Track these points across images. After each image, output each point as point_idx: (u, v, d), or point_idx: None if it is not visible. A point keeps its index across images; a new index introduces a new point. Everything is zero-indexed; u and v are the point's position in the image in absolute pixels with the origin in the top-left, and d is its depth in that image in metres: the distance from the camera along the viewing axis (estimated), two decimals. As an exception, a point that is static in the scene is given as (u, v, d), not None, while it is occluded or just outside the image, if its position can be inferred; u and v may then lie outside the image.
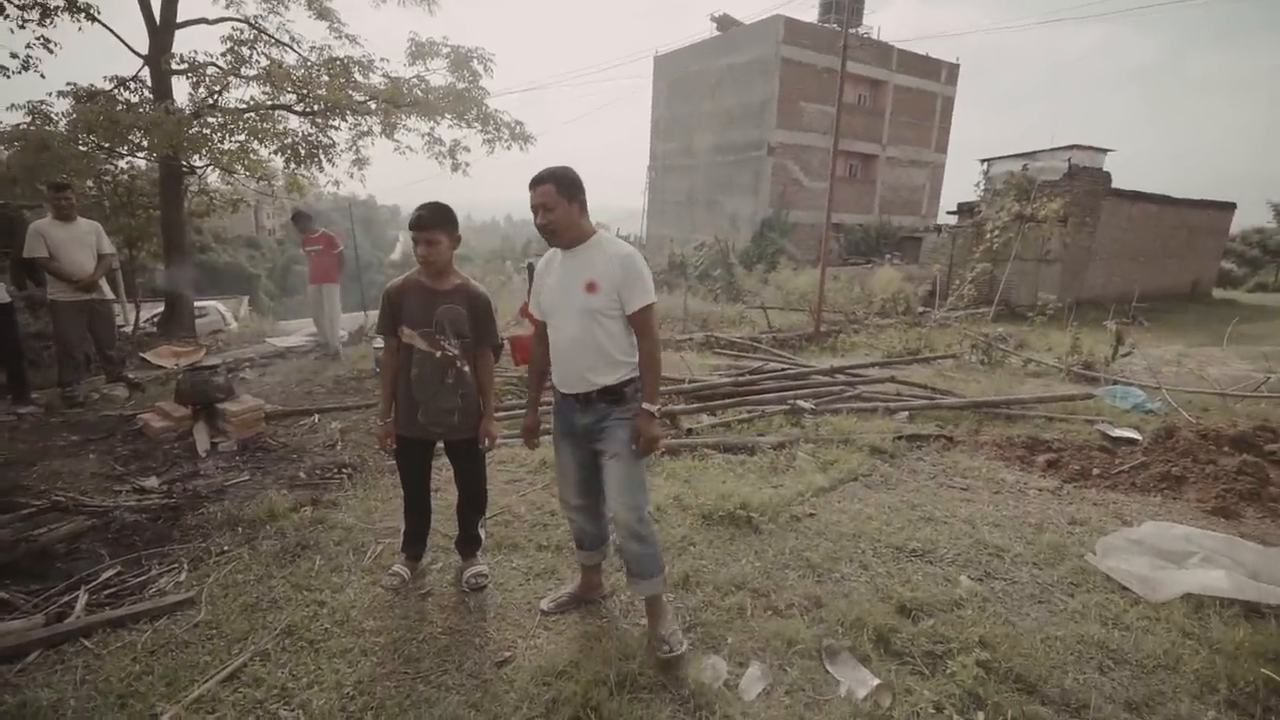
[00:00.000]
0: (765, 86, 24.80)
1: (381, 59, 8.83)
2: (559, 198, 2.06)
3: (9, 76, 8.02)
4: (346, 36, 9.04)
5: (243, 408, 4.46)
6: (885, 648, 2.26)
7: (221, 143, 7.99)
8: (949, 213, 21.68)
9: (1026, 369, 7.03)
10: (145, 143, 7.22)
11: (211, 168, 8.75)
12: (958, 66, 29.79)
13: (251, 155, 8.38)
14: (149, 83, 8.14)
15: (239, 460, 4.15)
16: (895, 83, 27.52)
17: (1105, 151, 19.08)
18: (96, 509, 3.25)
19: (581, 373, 2.15)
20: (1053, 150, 18.49)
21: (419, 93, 8.69)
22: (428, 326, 2.38)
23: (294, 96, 8.48)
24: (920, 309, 14.91)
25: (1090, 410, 5.24)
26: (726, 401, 5.13)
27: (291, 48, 8.62)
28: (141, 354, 6.38)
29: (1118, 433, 4.67)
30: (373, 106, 8.68)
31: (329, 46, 8.83)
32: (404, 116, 8.94)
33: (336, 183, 10.37)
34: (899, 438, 4.50)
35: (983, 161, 19.97)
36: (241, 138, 8.08)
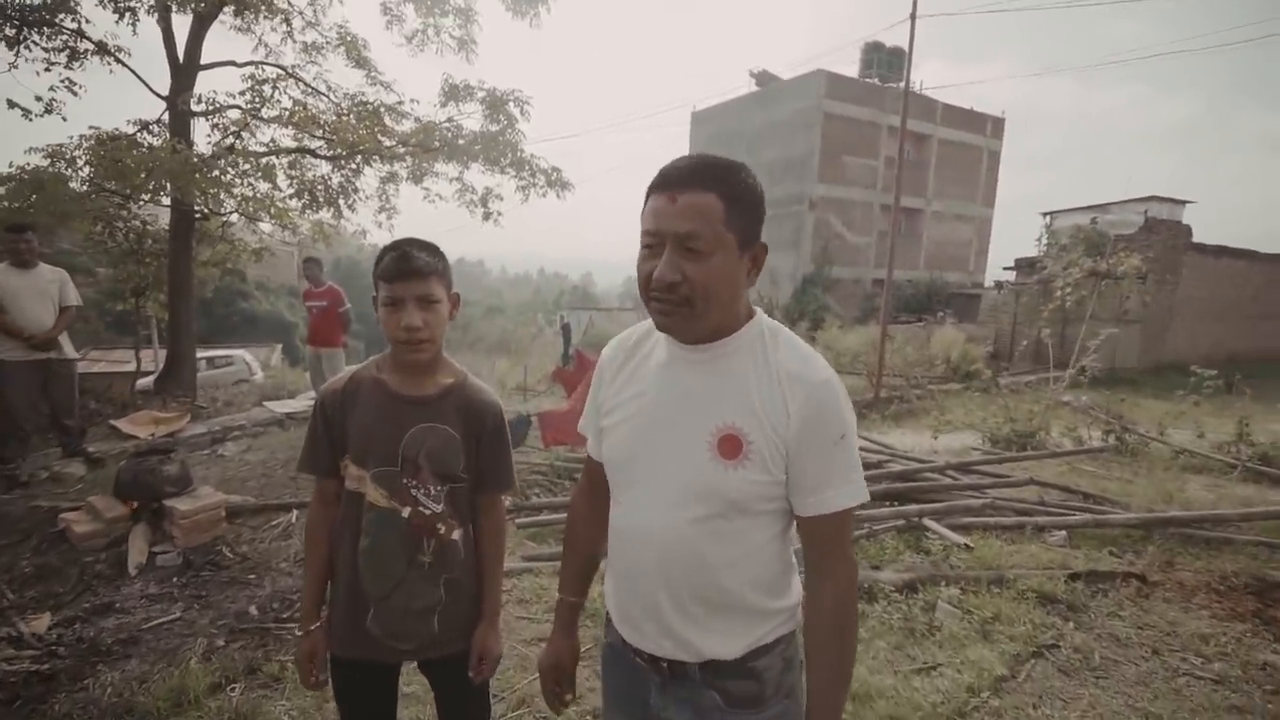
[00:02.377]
0: (807, 140, 24.29)
1: (413, 100, 8.30)
2: (726, 232, 0.91)
3: (31, 119, 7.63)
4: (381, 84, 8.58)
5: (196, 506, 3.45)
6: None
7: (243, 188, 7.42)
8: (1005, 269, 20.37)
9: (1178, 461, 5.65)
10: (152, 185, 6.61)
11: (235, 214, 8.20)
12: (1003, 120, 29.07)
13: (278, 204, 7.82)
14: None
15: (177, 583, 3.11)
16: (940, 136, 26.85)
17: (1184, 203, 17.73)
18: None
19: (671, 617, 1.00)
20: (1125, 202, 17.23)
21: (450, 136, 8.07)
22: (391, 464, 1.31)
23: (321, 142, 7.95)
24: (987, 372, 13.56)
25: (1316, 532, 3.88)
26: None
27: (326, 95, 8.15)
28: (113, 421, 5.51)
29: (1383, 575, 3.32)
30: (401, 151, 8.09)
31: (362, 93, 8.36)
32: (434, 162, 8.33)
33: (364, 232, 9.73)
34: (1073, 576, 3.23)
35: (1045, 215, 18.76)
36: (265, 186, 7.51)
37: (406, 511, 1.30)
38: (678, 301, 0.93)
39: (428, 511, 1.31)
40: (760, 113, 25.96)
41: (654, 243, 0.93)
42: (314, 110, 7.82)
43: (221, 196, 7.28)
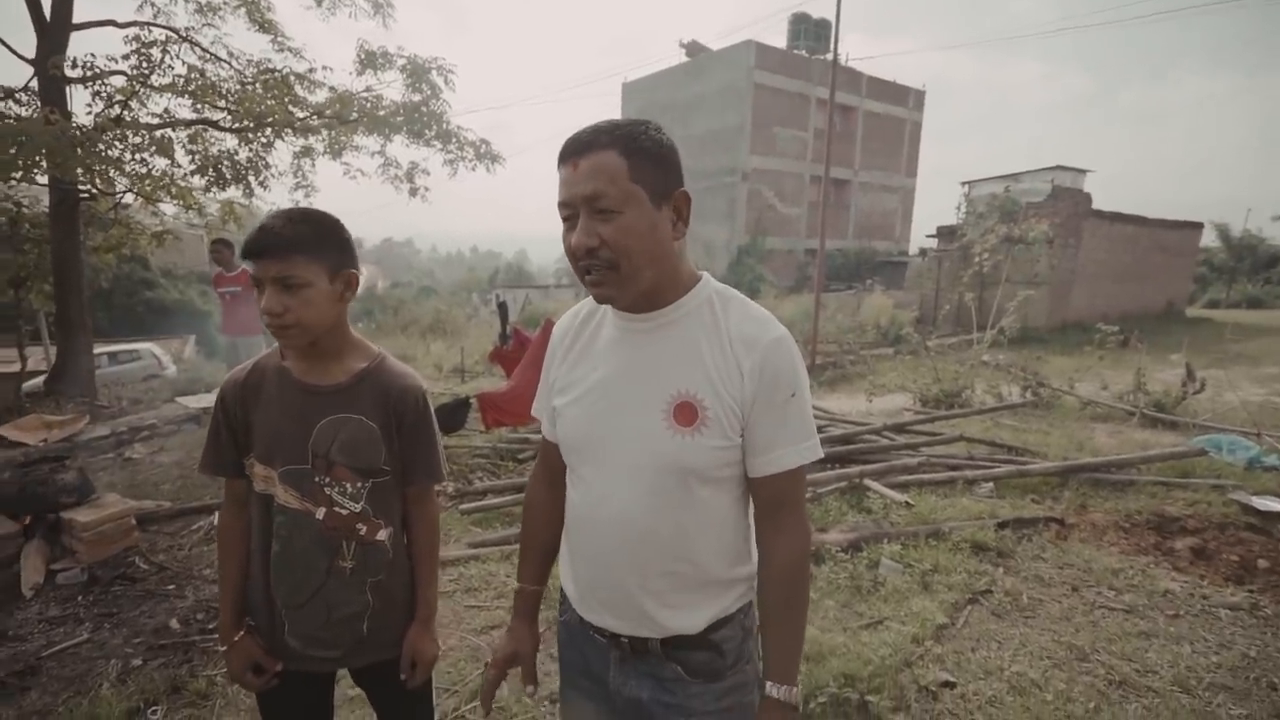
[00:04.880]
0: (738, 112, 24.36)
1: (326, 68, 7.73)
2: (632, 185, 0.88)
3: None
4: (289, 50, 7.92)
5: (100, 516, 3.15)
6: None
7: (136, 164, 6.72)
8: (928, 236, 21.28)
9: (1086, 412, 6.08)
10: (23, 161, 5.89)
11: (129, 194, 7.44)
12: (924, 93, 30.06)
13: (178, 182, 7.14)
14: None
15: (82, 601, 2.84)
16: (865, 108, 27.52)
17: (1085, 172, 18.95)
18: None
19: (637, 595, 0.98)
20: (1034, 171, 18.25)
21: (369, 106, 7.58)
22: (300, 461, 1.18)
23: (224, 113, 7.30)
24: (915, 336, 14.20)
25: (1206, 470, 4.26)
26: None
27: (227, 62, 7.45)
28: (-2, 428, 4.96)
29: (1264, 504, 3.68)
30: (316, 123, 7.55)
31: (268, 60, 7.70)
32: (353, 135, 7.82)
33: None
34: (1001, 525, 3.42)
35: (964, 184, 19.62)
36: (162, 162, 6.84)
37: (321, 513, 1.19)
38: (603, 266, 0.91)
39: (345, 511, 1.20)
40: (691, 84, 25.80)
41: (569, 214, 0.92)
42: (214, 78, 7.16)
43: (111, 174, 6.60)
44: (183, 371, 11.17)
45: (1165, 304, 21.23)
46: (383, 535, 1.24)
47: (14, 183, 7.08)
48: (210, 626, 2.65)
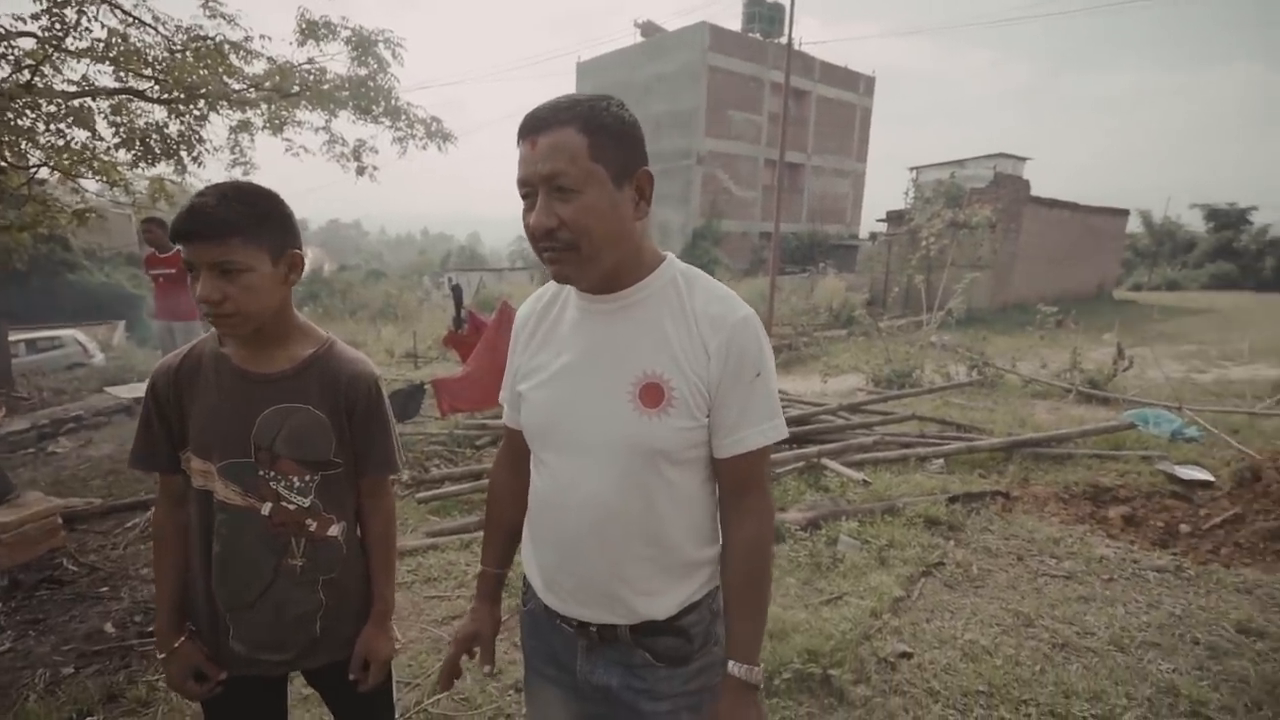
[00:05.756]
0: (693, 94, 24.27)
1: (264, 37, 7.27)
2: (592, 164, 0.85)
3: None
4: (222, 16, 7.41)
5: (21, 516, 2.94)
6: None
7: (51, 135, 6.20)
8: (878, 220, 21.82)
9: (1027, 389, 6.37)
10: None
11: (44, 168, 6.86)
12: (874, 79, 30.56)
13: (101, 156, 6.62)
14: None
15: (5, 608, 2.65)
16: (818, 93, 27.82)
17: (1024, 160, 19.69)
18: None
19: (607, 582, 0.96)
20: (978, 158, 18.87)
21: (312, 79, 7.19)
22: (241, 454, 1.10)
23: (152, 82, 6.80)
24: (868, 319, 14.58)
25: (1135, 443, 4.52)
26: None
27: (153, 27, 6.91)
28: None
29: (1186, 473, 3.94)
30: (254, 96, 7.12)
31: (199, 26, 7.19)
32: (295, 109, 7.41)
33: None
34: (952, 499, 3.55)
35: (911, 170, 20.15)
36: (82, 134, 6.32)
37: (267, 508, 1.11)
38: (562, 247, 0.88)
39: (293, 507, 1.13)
40: (647, 64, 25.54)
41: (528, 192, 0.89)
42: (138, 44, 6.65)
43: (23, 146, 6.08)
44: (112, 359, 10.54)
45: (1096, 286, 22.39)
46: (335, 530, 1.17)
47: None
48: (149, 629, 2.51)
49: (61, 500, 3.30)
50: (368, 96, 7.39)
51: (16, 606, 2.65)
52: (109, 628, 2.52)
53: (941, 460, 4.17)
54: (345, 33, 7.38)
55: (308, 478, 1.14)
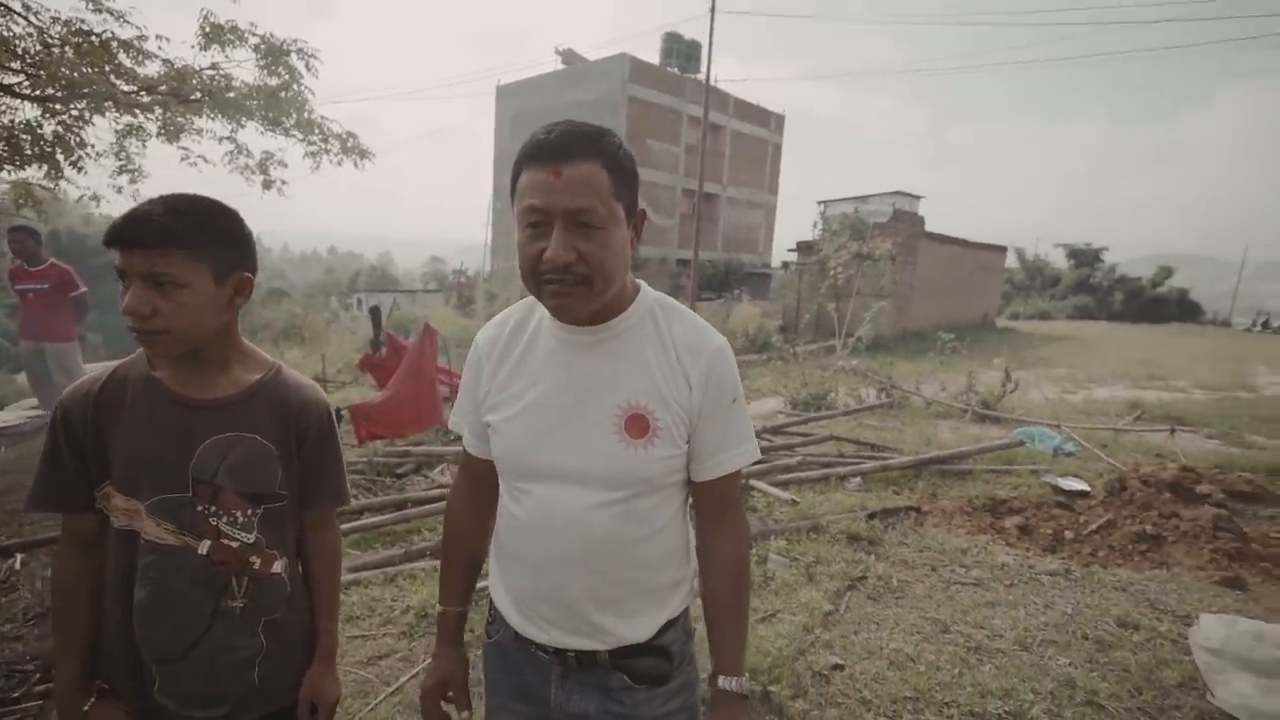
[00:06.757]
0: (613, 122, 24.72)
1: (160, 38, 6.77)
2: (614, 203, 0.87)
3: None
4: (110, 12, 6.83)
5: None
6: None
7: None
8: (789, 250, 22.99)
9: (930, 410, 6.87)
10: None
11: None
12: (784, 117, 32.46)
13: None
14: None
15: None
16: (732, 128, 29.17)
17: (919, 198, 21.44)
18: None
19: (587, 607, 0.96)
20: (880, 195, 20.36)
21: (216, 85, 6.75)
22: (177, 489, 1.01)
23: (22, 77, 6.14)
24: (783, 344, 15.24)
25: (1024, 458, 4.98)
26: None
27: (25, 16, 6.26)
28: None
29: (1067, 485, 4.37)
30: (146, 99, 6.59)
31: (82, 20, 6.59)
32: (194, 116, 6.91)
33: (97, 198, 7.69)
34: (870, 515, 3.76)
35: (820, 203, 21.44)
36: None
37: (205, 547, 1.03)
38: (575, 281, 0.86)
39: (235, 544, 1.05)
40: (567, 91, 25.84)
41: (540, 220, 0.86)
42: (5, 34, 6.01)
43: None
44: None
45: (981, 315, 24.57)
46: (278, 567, 1.10)
47: None
48: (16, 694, 2.20)
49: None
50: (278, 108, 7.04)
51: None
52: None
53: (859, 478, 4.41)
54: (254, 40, 7.02)
55: (250, 511, 1.06)
